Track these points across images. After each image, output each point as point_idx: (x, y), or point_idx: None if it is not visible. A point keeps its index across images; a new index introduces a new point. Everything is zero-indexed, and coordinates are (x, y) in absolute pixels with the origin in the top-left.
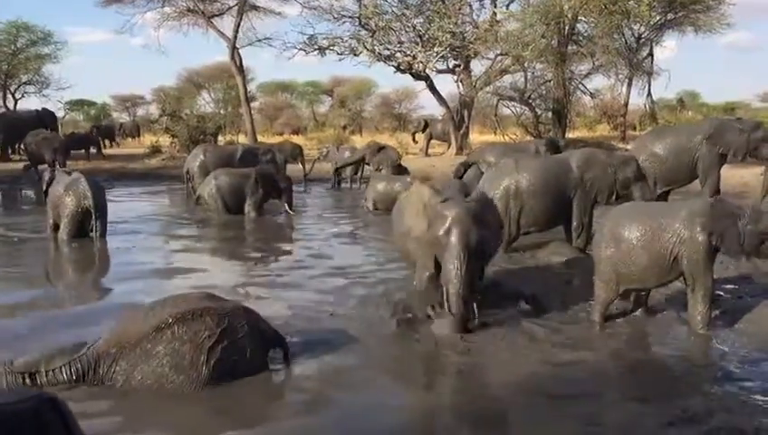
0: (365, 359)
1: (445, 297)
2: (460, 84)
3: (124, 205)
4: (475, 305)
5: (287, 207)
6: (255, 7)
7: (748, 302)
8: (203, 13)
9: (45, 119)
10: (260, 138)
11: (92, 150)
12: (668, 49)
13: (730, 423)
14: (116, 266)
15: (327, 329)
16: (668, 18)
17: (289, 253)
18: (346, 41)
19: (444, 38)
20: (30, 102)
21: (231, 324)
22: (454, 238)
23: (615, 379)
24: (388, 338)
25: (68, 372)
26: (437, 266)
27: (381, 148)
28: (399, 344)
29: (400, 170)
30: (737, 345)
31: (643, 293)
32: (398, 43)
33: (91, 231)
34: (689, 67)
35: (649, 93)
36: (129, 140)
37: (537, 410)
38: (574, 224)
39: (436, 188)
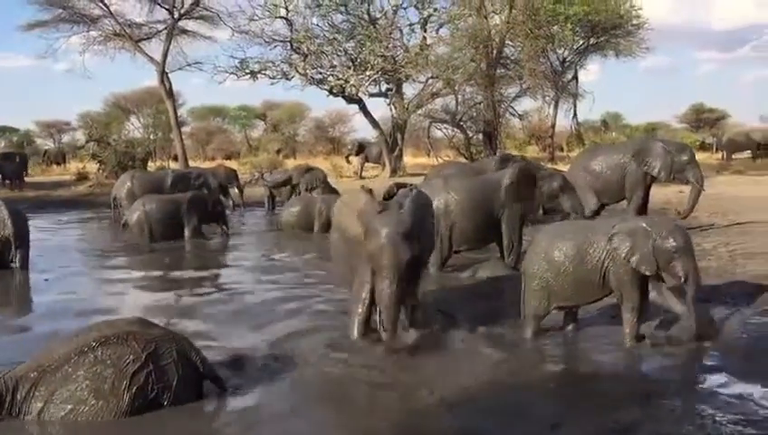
0: (298, 391)
1: (378, 315)
2: (393, 107)
3: (48, 233)
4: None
5: (224, 229)
6: (185, 31)
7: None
8: (130, 37)
9: None
10: (192, 163)
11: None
12: (592, 72)
13: (659, 431)
14: (37, 299)
15: (263, 357)
16: (591, 42)
17: (221, 279)
18: (278, 65)
19: (375, 62)
20: None
21: (158, 350)
22: (386, 260)
23: (546, 393)
24: (322, 365)
25: None
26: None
27: (309, 169)
28: (335, 371)
29: (330, 190)
30: (664, 357)
31: (573, 308)
32: (331, 66)
33: (12, 261)
34: (612, 90)
35: (575, 115)
36: (55, 166)
37: (467, 427)
38: (505, 242)
39: (373, 195)
